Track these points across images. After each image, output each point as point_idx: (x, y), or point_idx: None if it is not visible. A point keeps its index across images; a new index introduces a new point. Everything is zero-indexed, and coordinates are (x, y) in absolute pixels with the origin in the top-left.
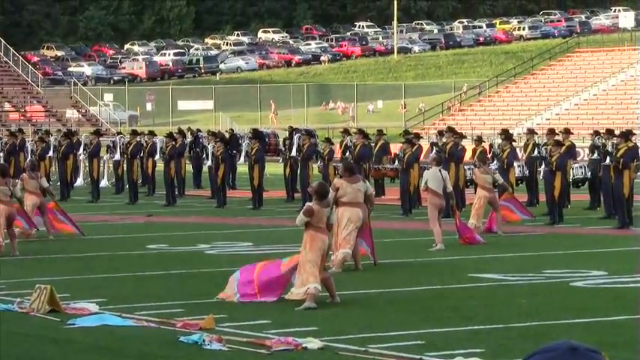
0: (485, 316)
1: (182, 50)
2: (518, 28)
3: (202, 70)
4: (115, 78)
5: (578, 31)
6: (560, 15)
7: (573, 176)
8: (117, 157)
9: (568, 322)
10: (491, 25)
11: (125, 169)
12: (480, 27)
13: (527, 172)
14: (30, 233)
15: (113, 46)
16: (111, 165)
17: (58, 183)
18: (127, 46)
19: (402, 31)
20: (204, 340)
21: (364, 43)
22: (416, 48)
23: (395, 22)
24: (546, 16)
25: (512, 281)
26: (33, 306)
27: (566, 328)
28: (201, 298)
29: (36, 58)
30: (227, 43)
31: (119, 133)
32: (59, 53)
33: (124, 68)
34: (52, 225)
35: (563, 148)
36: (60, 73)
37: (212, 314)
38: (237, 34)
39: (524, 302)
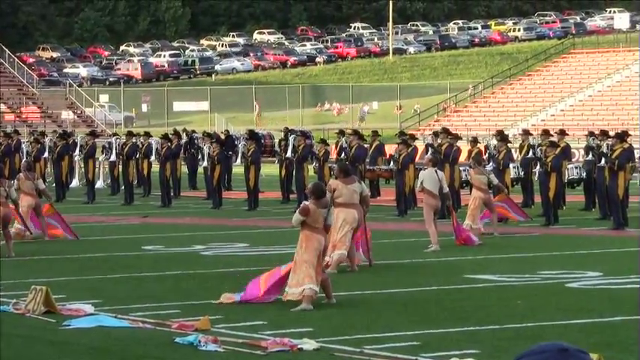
0: (481, 317)
1: (177, 51)
2: (514, 30)
3: (198, 72)
4: (111, 79)
5: (574, 32)
6: (555, 16)
7: (568, 177)
8: (112, 158)
9: (563, 322)
10: (486, 27)
11: (121, 170)
12: (475, 28)
13: (522, 173)
14: (24, 235)
15: (109, 47)
16: (106, 166)
17: (54, 184)
18: (122, 48)
19: (397, 33)
20: (199, 341)
21: (359, 44)
22: (411, 49)
23: (390, 24)
24: (541, 18)
25: (507, 282)
26: (28, 307)
27: (561, 329)
28: (197, 299)
29: (31, 60)
30: (222, 45)
31: (115, 134)
32: (55, 54)
33: (119, 69)
34: (47, 228)
35: (558, 149)
36: (55, 74)
37: (208, 315)
38: (233, 36)
39: (519, 303)
